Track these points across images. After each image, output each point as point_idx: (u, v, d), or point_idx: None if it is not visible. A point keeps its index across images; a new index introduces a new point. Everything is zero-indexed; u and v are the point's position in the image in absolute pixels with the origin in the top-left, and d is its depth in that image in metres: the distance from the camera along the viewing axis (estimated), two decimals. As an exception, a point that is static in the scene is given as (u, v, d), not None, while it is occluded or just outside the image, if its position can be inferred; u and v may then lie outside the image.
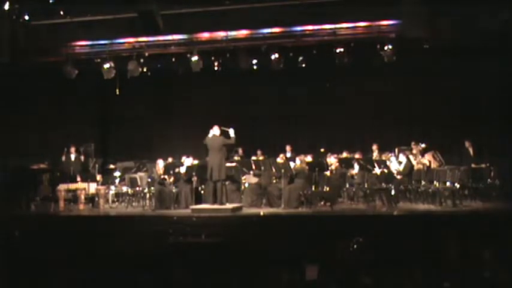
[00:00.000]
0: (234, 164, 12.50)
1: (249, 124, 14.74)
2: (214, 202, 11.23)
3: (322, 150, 12.94)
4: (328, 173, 12.00)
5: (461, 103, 13.54)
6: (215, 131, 11.37)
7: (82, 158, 13.89)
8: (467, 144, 12.70)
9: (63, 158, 13.56)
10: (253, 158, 12.96)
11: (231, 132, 11.35)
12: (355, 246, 7.14)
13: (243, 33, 12.38)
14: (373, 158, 12.44)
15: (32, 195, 12.35)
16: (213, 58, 13.52)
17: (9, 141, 13.28)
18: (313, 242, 8.33)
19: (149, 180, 12.44)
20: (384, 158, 12.26)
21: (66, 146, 13.65)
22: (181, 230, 9.44)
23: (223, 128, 11.35)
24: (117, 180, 13.30)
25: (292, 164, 11.86)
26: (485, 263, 6.25)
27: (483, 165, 12.26)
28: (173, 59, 13.47)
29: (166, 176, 12.28)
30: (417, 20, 10.86)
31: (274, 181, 12.14)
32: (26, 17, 12.14)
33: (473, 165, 12.22)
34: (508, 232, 8.25)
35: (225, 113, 14.67)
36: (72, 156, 13.60)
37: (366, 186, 11.93)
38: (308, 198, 11.42)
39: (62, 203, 12.23)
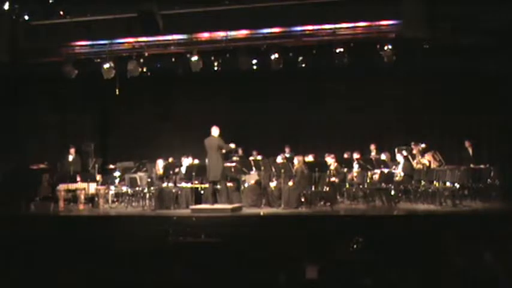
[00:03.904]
0: (233, 164, 12.50)
1: (249, 124, 14.74)
2: (214, 202, 11.22)
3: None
4: (328, 173, 11.99)
5: (461, 103, 13.53)
6: (214, 131, 11.37)
7: (79, 158, 13.87)
8: (467, 144, 12.70)
9: (67, 158, 13.57)
10: (251, 158, 12.95)
11: (231, 145, 11.51)
12: (355, 246, 7.13)
13: (243, 33, 12.37)
14: (372, 157, 12.45)
15: (32, 195, 12.34)
16: (212, 58, 13.51)
17: (9, 141, 13.28)
18: (313, 242, 8.33)
19: (149, 180, 12.44)
20: (384, 158, 12.27)
21: (67, 146, 13.64)
22: (181, 230, 9.43)
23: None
24: (116, 180, 13.31)
25: (291, 165, 11.86)
26: (485, 263, 6.25)
27: (482, 166, 12.26)
28: (173, 59, 13.47)
29: (166, 183, 12.30)
30: (417, 20, 10.85)
31: (274, 181, 12.15)
32: (26, 17, 12.14)
33: (472, 166, 12.21)
34: (508, 232, 8.25)
35: (225, 113, 14.68)
36: (70, 157, 13.57)
37: (365, 186, 11.94)
38: (308, 198, 11.43)
39: (61, 203, 12.25)
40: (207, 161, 12.75)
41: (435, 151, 12.27)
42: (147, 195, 12.36)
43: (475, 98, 13.27)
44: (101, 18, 12.29)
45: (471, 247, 6.91)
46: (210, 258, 7.29)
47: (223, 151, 11.59)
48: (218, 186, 11.79)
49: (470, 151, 12.65)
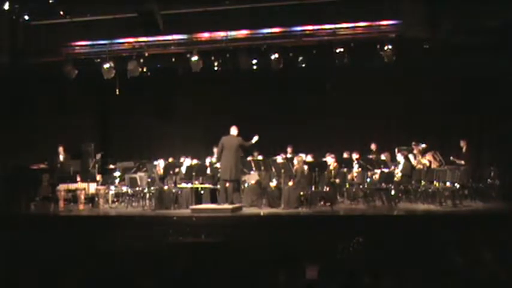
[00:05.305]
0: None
1: (249, 124, 14.72)
2: (226, 201, 11.23)
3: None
4: (328, 173, 11.99)
5: (461, 103, 13.53)
6: (233, 131, 11.35)
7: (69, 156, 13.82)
8: (462, 143, 12.64)
9: (58, 159, 13.54)
10: (249, 158, 12.92)
11: (254, 139, 11.43)
12: (355, 246, 7.13)
13: (243, 33, 12.38)
14: (372, 157, 12.45)
15: (32, 195, 12.34)
16: (213, 58, 13.51)
17: (9, 141, 13.27)
18: (313, 242, 8.32)
19: (149, 180, 12.44)
20: (384, 158, 12.27)
21: (56, 146, 13.61)
22: (181, 230, 9.43)
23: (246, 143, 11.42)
24: (117, 180, 13.30)
25: (291, 165, 11.86)
26: (485, 263, 6.25)
27: (463, 162, 12.21)
28: (173, 59, 13.47)
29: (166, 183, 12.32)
30: (417, 20, 10.86)
31: (274, 181, 12.15)
32: (26, 17, 12.14)
33: (462, 162, 12.17)
34: (508, 232, 8.25)
35: (225, 113, 14.68)
36: (61, 157, 13.55)
37: (365, 186, 11.94)
38: (308, 198, 11.42)
39: (61, 203, 12.25)
40: (208, 160, 12.81)
41: (435, 151, 12.28)
42: (147, 195, 12.35)
43: (475, 98, 13.27)
44: (101, 18, 12.30)
45: (471, 247, 6.91)
46: (210, 258, 7.29)
47: (247, 145, 11.50)
48: (218, 186, 11.79)
49: (464, 149, 12.58)
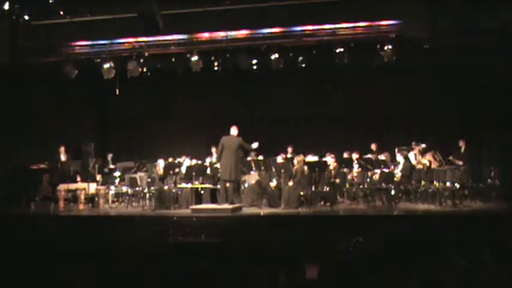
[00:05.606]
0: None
1: (249, 124, 14.73)
2: (226, 201, 11.23)
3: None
4: (328, 173, 11.98)
5: (461, 103, 13.53)
6: (233, 131, 11.35)
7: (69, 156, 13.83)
8: (461, 143, 12.63)
9: (59, 159, 13.54)
10: (249, 158, 12.92)
11: (254, 145, 11.49)
12: (355, 246, 7.13)
13: (243, 33, 12.37)
14: (372, 157, 12.45)
15: (32, 195, 12.34)
16: (213, 58, 13.50)
17: (10, 141, 13.28)
18: (313, 242, 8.32)
19: (149, 180, 12.44)
20: (383, 158, 12.28)
21: (56, 146, 13.60)
22: (181, 230, 9.43)
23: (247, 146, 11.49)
24: (117, 180, 13.31)
25: (291, 165, 11.86)
26: (485, 263, 6.25)
27: (461, 162, 12.20)
28: (173, 59, 13.46)
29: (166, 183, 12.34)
30: (417, 20, 10.86)
31: (274, 181, 12.15)
32: (26, 17, 12.14)
33: (461, 162, 12.14)
34: (508, 232, 8.25)
35: (225, 113, 14.68)
36: (62, 157, 13.53)
37: (365, 186, 11.94)
38: (308, 198, 11.42)
39: (61, 203, 12.24)
40: (208, 160, 12.81)
41: (435, 151, 12.27)
42: (147, 195, 12.35)
43: (475, 98, 13.27)
44: (100, 18, 12.29)
45: (471, 247, 6.91)
46: (210, 258, 7.29)
47: (247, 148, 11.52)
48: (218, 186, 11.79)
49: (463, 149, 12.56)
